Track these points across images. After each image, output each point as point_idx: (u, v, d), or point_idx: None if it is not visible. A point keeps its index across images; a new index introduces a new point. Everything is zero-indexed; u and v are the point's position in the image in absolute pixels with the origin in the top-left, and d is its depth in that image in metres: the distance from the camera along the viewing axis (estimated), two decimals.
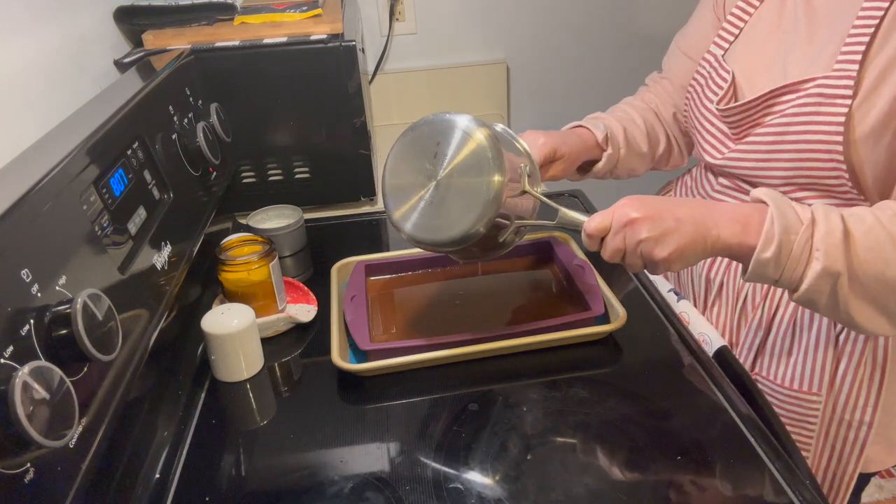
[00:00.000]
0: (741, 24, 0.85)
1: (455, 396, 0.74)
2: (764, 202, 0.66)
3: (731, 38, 0.86)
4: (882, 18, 0.68)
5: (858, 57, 0.69)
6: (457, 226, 0.68)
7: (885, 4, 0.68)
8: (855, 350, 0.78)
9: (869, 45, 0.69)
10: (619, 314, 0.80)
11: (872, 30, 0.69)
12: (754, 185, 0.81)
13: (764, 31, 0.82)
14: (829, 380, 0.80)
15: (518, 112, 1.77)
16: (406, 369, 0.77)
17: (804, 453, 0.83)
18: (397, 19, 1.61)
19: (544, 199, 0.75)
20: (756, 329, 0.85)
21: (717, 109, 0.83)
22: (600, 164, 0.95)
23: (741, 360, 0.86)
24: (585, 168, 0.97)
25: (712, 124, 0.86)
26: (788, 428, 0.82)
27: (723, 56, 0.85)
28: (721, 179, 0.87)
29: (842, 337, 0.78)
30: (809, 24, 0.76)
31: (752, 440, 0.67)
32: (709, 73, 0.87)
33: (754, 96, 0.78)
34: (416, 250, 0.96)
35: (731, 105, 0.81)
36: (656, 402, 0.72)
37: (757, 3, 0.84)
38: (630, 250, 0.68)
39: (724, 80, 0.83)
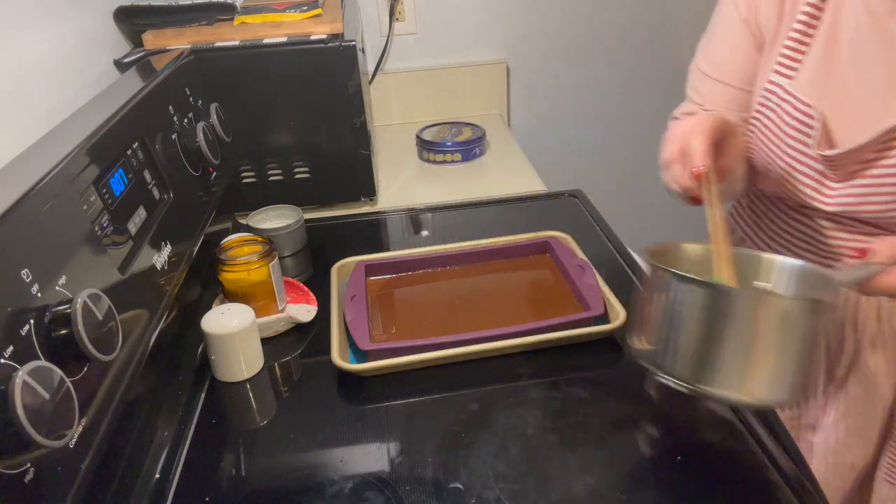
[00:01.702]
0: (804, 49, 0.74)
1: (455, 396, 0.74)
2: None
3: (796, 66, 0.74)
4: None
5: None
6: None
7: None
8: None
9: None
10: (619, 314, 0.80)
11: None
12: (876, 226, 0.74)
13: (832, 58, 0.72)
14: None
15: (518, 112, 1.77)
16: (406, 369, 0.77)
17: None
18: (397, 19, 1.61)
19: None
20: None
21: (819, 155, 0.72)
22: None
23: None
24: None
25: (805, 164, 0.75)
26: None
27: (789, 85, 0.74)
28: (822, 222, 0.78)
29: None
30: (888, 50, 0.68)
31: (752, 440, 0.67)
32: (778, 105, 0.75)
33: (866, 139, 0.68)
34: (417, 250, 0.96)
35: (839, 151, 0.70)
36: (656, 403, 0.72)
37: (815, 23, 0.73)
38: None
39: (809, 116, 0.72)
